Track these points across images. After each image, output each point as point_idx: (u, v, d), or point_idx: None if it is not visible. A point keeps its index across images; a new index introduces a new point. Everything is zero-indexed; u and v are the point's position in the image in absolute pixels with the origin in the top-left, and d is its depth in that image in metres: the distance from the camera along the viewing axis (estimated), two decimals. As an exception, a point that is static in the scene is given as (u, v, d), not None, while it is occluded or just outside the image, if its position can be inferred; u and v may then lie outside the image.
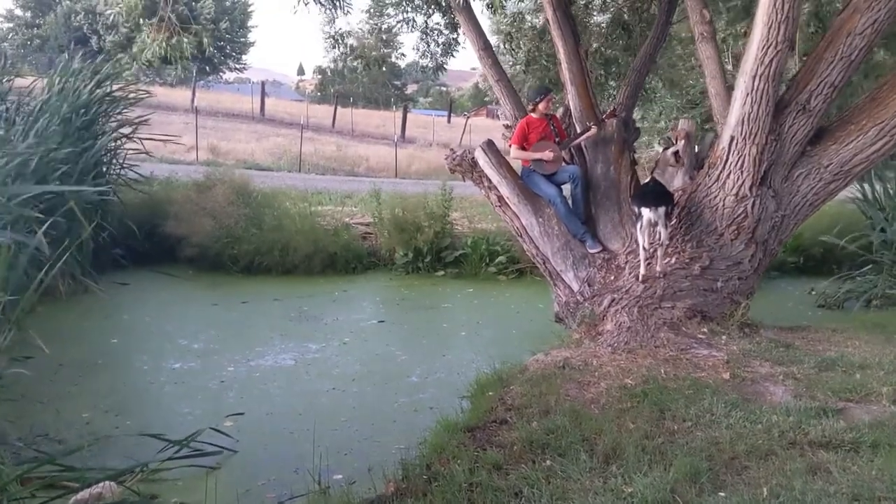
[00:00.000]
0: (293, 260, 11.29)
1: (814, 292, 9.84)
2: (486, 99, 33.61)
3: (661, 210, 6.28)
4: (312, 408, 6.03)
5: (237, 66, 53.41)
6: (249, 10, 50.75)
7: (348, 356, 7.49)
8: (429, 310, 9.64)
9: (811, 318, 8.67)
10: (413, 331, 8.66)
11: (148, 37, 8.33)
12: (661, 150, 7.30)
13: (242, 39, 51.68)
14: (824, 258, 10.96)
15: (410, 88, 76.38)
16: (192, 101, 25.53)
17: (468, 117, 42.62)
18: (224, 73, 53.14)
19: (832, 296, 9.38)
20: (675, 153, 6.95)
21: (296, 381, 6.75)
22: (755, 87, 6.09)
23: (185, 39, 8.27)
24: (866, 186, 9.90)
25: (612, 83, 10.16)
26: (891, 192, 9.48)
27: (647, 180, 6.81)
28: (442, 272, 11.53)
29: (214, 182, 12.50)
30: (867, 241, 10.14)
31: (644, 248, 6.41)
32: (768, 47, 5.95)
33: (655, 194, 6.50)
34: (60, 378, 6.58)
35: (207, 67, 48.10)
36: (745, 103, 6.18)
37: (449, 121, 46.19)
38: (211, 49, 46.89)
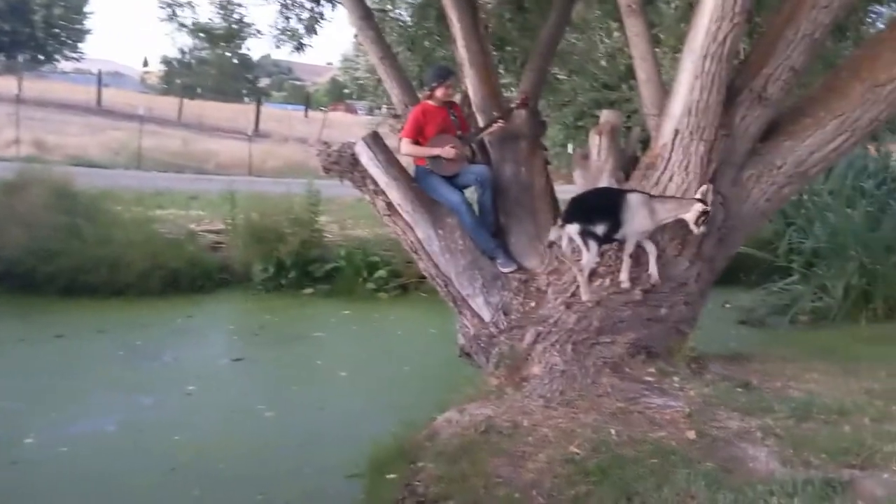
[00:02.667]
0: (125, 278, 9.43)
1: (729, 305, 9.05)
2: (346, 91, 32.17)
3: (572, 228, 5.00)
4: (140, 505, 4.38)
5: (73, 54, 49.36)
6: (86, -6, 46.98)
7: (194, 414, 5.83)
8: (297, 341, 8.04)
9: (737, 337, 7.84)
10: (279, 372, 7.06)
11: None
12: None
13: (79, 26, 47.76)
14: (730, 266, 10.19)
15: (263, 82, 73.90)
16: (19, 88, 22.42)
17: (326, 112, 41.35)
18: (59, 61, 48.99)
19: (752, 310, 8.59)
20: (584, 154, 5.84)
21: (120, 457, 5.04)
22: (705, 69, 4.94)
23: None
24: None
25: (502, 67, 8.91)
26: (804, 195, 8.79)
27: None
28: (310, 289, 9.97)
29: (28, 182, 10.36)
30: (774, 246, 9.55)
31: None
32: (722, 20, 4.81)
33: (576, 205, 5.23)
34: None
35: (40, 55, 44.11)
36: (692, 89, 5.02)
37: (306, 115, 44.53)
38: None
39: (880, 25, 10.71)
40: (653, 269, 5.14)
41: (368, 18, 6.52)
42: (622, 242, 5.12)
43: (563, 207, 6.29)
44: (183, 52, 64.40)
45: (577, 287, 5.30)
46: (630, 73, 14.92)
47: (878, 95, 5.03)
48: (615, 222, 4.98)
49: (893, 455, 3.76)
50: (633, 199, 5.03)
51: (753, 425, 4.22)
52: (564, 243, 5.09)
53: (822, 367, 5.47)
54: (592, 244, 4.94)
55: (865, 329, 7.02)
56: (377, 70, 6.80)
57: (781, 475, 3.65)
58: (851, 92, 5.14)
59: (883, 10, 9.81)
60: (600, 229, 4.95)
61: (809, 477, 3.56)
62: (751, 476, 3.71)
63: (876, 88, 5.03)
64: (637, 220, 4.98)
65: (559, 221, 5.11)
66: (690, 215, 5.00)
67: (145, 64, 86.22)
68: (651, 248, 5.13)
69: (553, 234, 5.14)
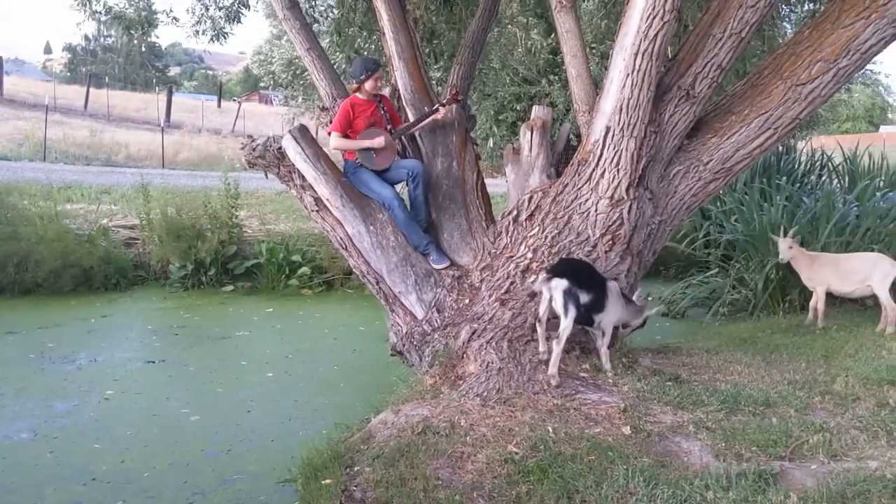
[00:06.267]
0: (34, 277, 8.92)
1: (650, 298, 9.16)
2: (262, 84, 31.50)
3: (560, 283, 4.59)
4: (59, 519, 4.09)
5: (-31, 40, 46.63)
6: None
7: (113, 419, 5.49)
8: (219, 340, 7.69)
9: (661, 330, 7.94)
10: (201, 374, 6.69)
11: None
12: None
13: (-26, 10, 45.10)
14: (648, 258, 10.41)
15: (173, 71, 71.90)
16: None
17: (240, 102, 40.41)
18: (-46, 48, 46.33)
19: (673, 302, 8.73)
20: (515, 149, 5.86)
21: (35, 467, 4.68)
22: (636, 67, 4.96)
23: None
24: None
25: (432, 60, 8.78)
26: (721, 191, 9.02)
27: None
28: (231, 287, 9.60)
29: (-78, 176, 9.69)
30: (691, 238, 9.76)
31: (538, 320, 4.82)
32: (653, 18, 4.84)
33: (565, 263, 4.99)
34: None
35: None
36: (624, 86, 5.04)
37: (219, 105, 43.30)
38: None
39: (786, 25, 11.14)
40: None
41: (294, 8, 6.32)
42: (595, 331, 5.00)
43: (494, 201, 6.30)
44: (88, 39, 61.98)
45: (511, 283, 5.29)
46: (549, 68, 15.09)
47: (800, 94, 5.15)
48: (598, 301, 4.80)
49: (819, 445, 3.85)
50: (613, 287, 4.95)
51: (686, 419, 4.26)
52: (542, 308, 4.72)
53: (746, 358, 5.55)
54: (572, 310, 4.59)
55: (783, 320, 7.17)
56: (303, 61, 6.58)
57: (716, 469, 3.69)
58: (774, 90, 5.25)
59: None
60: (584, 298, 4.66)
61: (742, 470, 3.61)
62: (686, 470, 3.73)
63: (797, 87, 5.14)
64: (614, 308, 4.93)
65: (545, 274, 4.73)
66: (637, 321, 5.30)
67: (47, 51, 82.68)
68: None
69: (537, 286, 4.73)
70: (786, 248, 6.74)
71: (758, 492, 3.42)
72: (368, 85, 5.67)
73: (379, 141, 5.58)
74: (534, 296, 4.81)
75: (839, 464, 3.67)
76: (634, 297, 5.29)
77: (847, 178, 11.58)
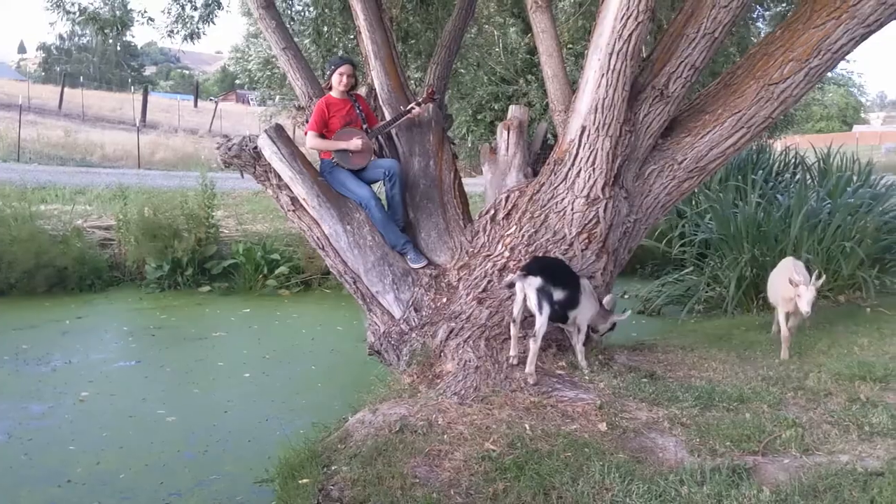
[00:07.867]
0: (7, 278, 8.83)
1: (627, 296, 9.25)
2: (238, 82, 31.36)
3: (534, 281, 4.67)
4: (32, 521, 4.06)
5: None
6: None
7: (89, 421, 5.44)
8: (196, 341, 7.64)
9: (637, 327, 7.99)
10: (178, 375, 6.65)
11: None
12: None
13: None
14: (624, 256, 10.47)
15: (149, 70, 71.42)
16: None
17: (217, 102, 40.26)
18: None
19: (649, 300, 8.80)
20: (492, 148, 5.93)
21: (10, 469, 4.64)
22: (611, 67, 5.00)
23: None
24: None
25: (409, 60, 8.79)
26: (695, 189, 9.09)
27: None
28: (208, 287, 9.52)
29: None
30: (667, 238, 9.83)
31: (513, 319, 4.89)
32: (628, 18, 4.88)
33: (539, 261, 5.01)
34: None
35: None
36: (599, 86, 5.07)
37: (196, 105, 43.07)
38: None
39: (760, 25, 11.26)
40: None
41: (269, 8, 6.30)
42: (569, 328, 5.05)
43: (471, 200, 6.32)
44: (62, 39, 61.39)
45: (488, 282, 5.31)
46: (526, 68, 15.17)
47: (772, 94, 5.21)
48: (572, 298, 4.85)
49: (792, 440, 3.91)
50: (586, 284, 5.01)
51: (661, 415, 4.30)
52: (517, 308, 4.79)
53: (721, 355, 5.61)
54: (546, 308, 4.65)
55: (757, 317, 7.26)
56: (279, 61, 6.57)
57: (690, 464, 3.72)
58: (747, 90, 5.30)
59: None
60: (557, 295, 4.72)
61: (716, 465, 3.66)
62: (661, 466, 3.77)
63: (770, 87, 5.20)
64: (588, 305, 4.97)
65: (520, 272, 4.79)
66: (605, 325, 5.28)
67: (21, 50, 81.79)
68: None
69: (514, 278, 4.78)
70: (812, 297, 5.37)
71: (731, 486, 3.47)
72: (334, 80, 5.67)
73: (354, 143, 5.58)
74: (512, 286, 4.82)
75: (811, 458, 3.73)
76: (605, 302, 5.31)
77: (820, 177, 11.69)
